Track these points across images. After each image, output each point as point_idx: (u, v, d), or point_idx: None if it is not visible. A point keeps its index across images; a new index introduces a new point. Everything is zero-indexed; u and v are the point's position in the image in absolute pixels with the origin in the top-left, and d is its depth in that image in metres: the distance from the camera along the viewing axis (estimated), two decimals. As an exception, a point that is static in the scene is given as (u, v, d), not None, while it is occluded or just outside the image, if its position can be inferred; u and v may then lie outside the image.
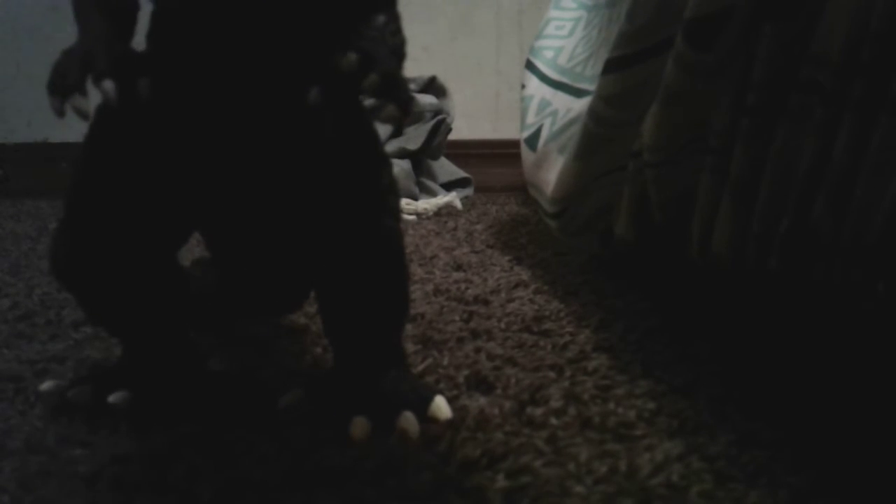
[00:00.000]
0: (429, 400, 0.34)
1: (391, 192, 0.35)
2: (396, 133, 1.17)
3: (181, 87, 0.31)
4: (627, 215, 0.50)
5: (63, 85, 0.28)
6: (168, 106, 0.31)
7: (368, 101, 0.30)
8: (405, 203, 1.02)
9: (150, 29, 0.31)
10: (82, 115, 0.28)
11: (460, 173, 1.24)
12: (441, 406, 0.34)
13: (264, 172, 0.33)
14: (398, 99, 0.28)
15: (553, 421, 0.33)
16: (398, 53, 0.31)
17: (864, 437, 0.32)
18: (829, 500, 0.27)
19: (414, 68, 1.27)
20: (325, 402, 0.34)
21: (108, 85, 0.28)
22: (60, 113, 0.28)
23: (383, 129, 1.13)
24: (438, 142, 1.17)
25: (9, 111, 1.34)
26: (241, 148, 0.32)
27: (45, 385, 0.36)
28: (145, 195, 0.33)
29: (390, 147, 1.13)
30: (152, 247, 0.34)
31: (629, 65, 0.45)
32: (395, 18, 0.31)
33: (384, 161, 0.35)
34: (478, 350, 0.43)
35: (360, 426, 0.32)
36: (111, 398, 0.34)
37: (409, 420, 0.32)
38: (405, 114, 0.29)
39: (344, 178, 0.33)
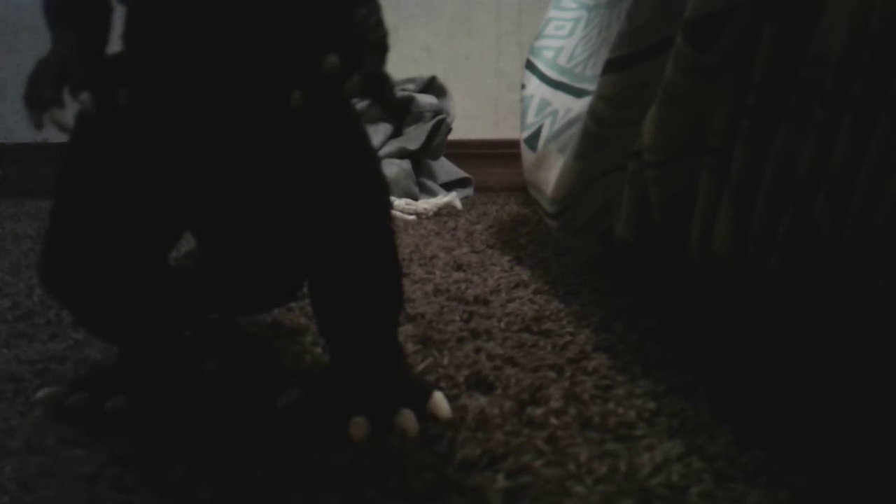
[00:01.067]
0: (427, 397, 0.34)
1: (379, 188, 0.34)
2: (396, 133, 1.17)
3: (161, 89, 0.30)
4: (627, 215, 0.50)
5: (40, 98, 0.27)
6: (149, 109, 0.30)
7: (360, 104, 0.30)
8: (405, 203, 1.02)
9: (126, 30, 0.31)
10: (62, 128, 0.28)
11: (460, 173, 1.24)
12: (440, 402, 0.34)
13: (250, 172, 0.33)
14: (383, 98, 0.28)
15: (553, 421, 0.33)
16: (380, 47, 0.30)
17: (864, 437, 0.32)
18: (829, 500, 0.27)
19: (414, 68, 1.27)
20: (324, 400, 0.34)
21: (86, 97, 0.27)
22: (39, 126, 0.27)
23: (383, 129, 1.13)
24: (438, 142, 1.17)
25: (9, 111, 1.34)
26: (225, 148, 0.32)
27: (42, 392, 0.36)
28: (131, 200, 0.33)
29: (390, 147, 1.13)
30: (141, 251, 0.34)
31: (629, 65, 0.45)
32: (375, 10, 0.31)
33: (372, 157, 0.34)
34: (478, 350, 0.43)
35: (359, 426, 0.32)
36: (108, 404, 0.34)
37: (408, 418, 0.32)
38: (393, 110, 0.29)
39: (330, 175, 0.33)
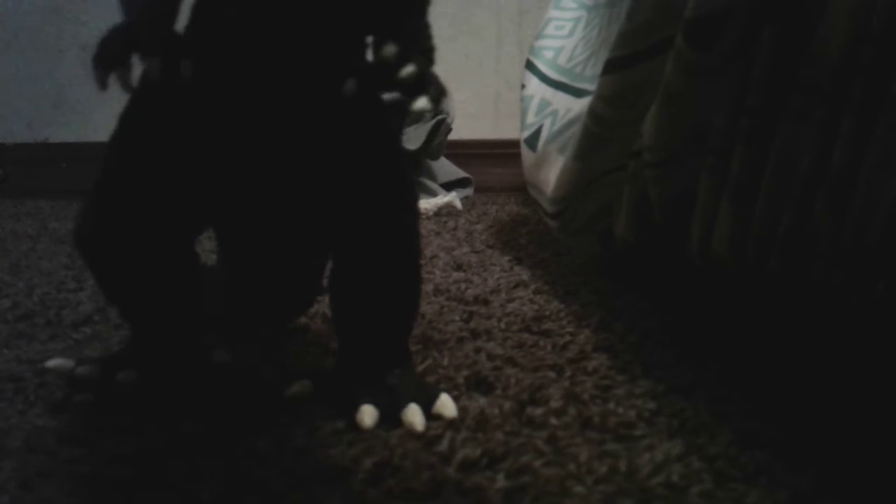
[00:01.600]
0: (434, 397, 0.34)
1: (412, 190, 0.36)
2: (396, 133, 1.17)
3: (217, 76, 0.32)
4: (627, 215, 0.50)
5: (109, 57, 0.29)
6: (203, 92, 0.32)
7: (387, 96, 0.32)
8: (405, 203, 1.02)
9: (191, 20, 0.32)
10: (126, 85, 0.30)
11: (460, 173, 1.24)
12: (447, 403, 0.34)
13: (288, 160, 0.33)
14: (430, 93, 0.30)
15: (553, 421, 0.33)
16: (428, 57, 0.32)
17: (864, 437, 0.32)
18: (829, 500, 0.27)
19: (414, 68, 1.26)
20: (332, 393, 0.35)
21: (154, 61, 0.29)
22: (104, 85, 0.30)
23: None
24: (438, 142, 1.17)
25: (9, 111, 1.34)
26: (269, 135, 0.33)
27: (53, 362, 0.37)
28: (174, 177, 0.34)
29: (390, 147, 1.13)
30: (175, 228, 0.35)
31: (629, 65, 0.45)
32: (427, 27, 0.33)
33: (406, 160, 0.36)
34: (478, 350, 0.43)
35: (367, 413, 0.32)
36: (120, 376, 0.35)
37: (415, 412, 0.33)
38: (436, 107, 0.30)
39: (367, 172, 0.34)
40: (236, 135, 0.33)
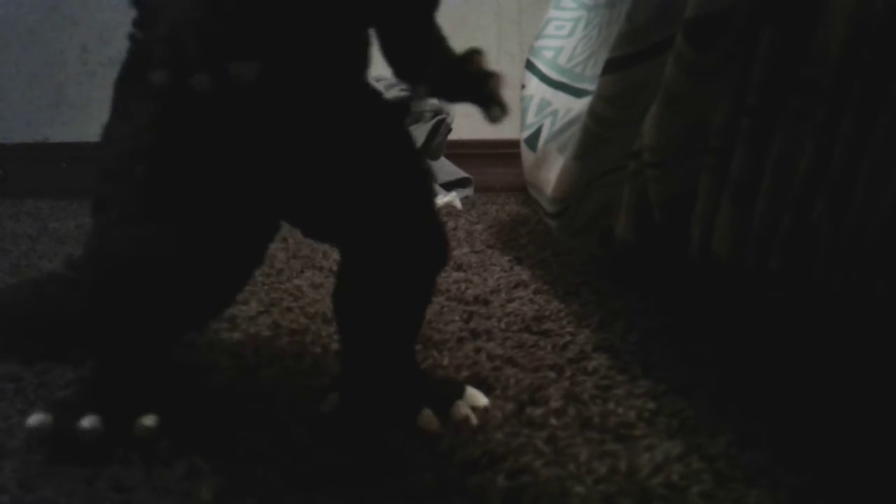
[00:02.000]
0: (462, 391, 0.35)
1: (429, 186, 0.37)
2: (396, 133, 1.17)
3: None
4: (627, 215, 0.50)
5: (181, 60, 0.26)
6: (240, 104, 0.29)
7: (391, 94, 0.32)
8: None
9: None
10: (203, 90, 0.26)
11: (460, 173, 1.24)
12: (476, 395, 0.35)
13: (308, 160, 0.32)
14: (501, 102, 0.32)
15: (553, 421, 0.33)
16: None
17: (864, 437, 0.32)
18: (829, 500, 0.27)
19: (414, 68, 1.27)
20: (361, 403, 0.35)
21: (243, 66, 0.26)
22: (165, 87, 0.26)
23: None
24: (438, 142, 1.17)
25: (9, 111, 1.34)
26: (289, 137, 0.31)
27: (33, 419, 0.31)
28: (227, 187, 0.31)
29: (390, 147, 1.13)
30: (227, 236, 0.33)
31: (629, 65, 0.45)
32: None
33: (423, 159, 0.36)
34: (478, 350, 0.43)
35: (432, 418, 0.33)
36: (146, 422, 0.31)
37: (463, 406, 0.34)
38: (505, 115, 0.32)
39: (390, 171, 0.34)
40: (262, 137, 0.31)
